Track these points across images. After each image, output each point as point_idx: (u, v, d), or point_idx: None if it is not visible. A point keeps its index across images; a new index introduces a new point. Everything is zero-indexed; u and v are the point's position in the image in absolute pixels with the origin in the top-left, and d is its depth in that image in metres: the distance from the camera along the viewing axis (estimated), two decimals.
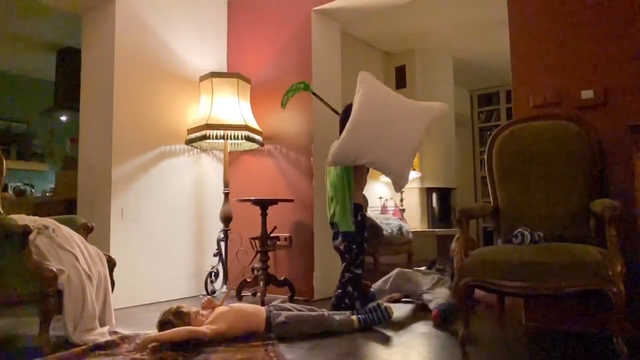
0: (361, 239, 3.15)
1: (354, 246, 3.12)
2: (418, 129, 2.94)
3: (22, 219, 2.42)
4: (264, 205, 3.61)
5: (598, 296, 2.21)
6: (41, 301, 2.23)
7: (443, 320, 2.76)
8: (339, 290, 3.11)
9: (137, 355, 2.17)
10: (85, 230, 2.79)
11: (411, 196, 6.32)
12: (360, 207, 3.17)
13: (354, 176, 3.14)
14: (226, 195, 3.85)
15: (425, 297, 3.26)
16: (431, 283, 3.86)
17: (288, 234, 3.89)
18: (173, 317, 2.33)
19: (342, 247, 3.14)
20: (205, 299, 2.59)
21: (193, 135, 3.81)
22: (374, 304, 2.79)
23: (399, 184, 2.96)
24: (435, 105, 3.08)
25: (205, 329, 2.32)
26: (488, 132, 7.91)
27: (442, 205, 6.52)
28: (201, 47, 4.26)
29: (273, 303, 2.72)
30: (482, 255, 2.31)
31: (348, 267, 3.13)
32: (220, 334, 2.36)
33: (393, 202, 6.01)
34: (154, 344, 2.20)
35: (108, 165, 3.54)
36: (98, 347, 2.26)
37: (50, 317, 2.27)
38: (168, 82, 3.96)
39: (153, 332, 2.38)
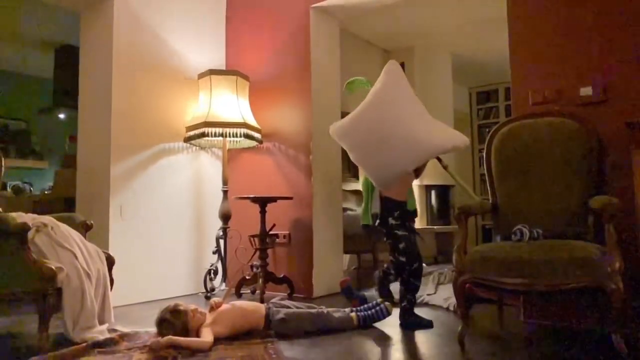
0: (402, 233, 2.75)
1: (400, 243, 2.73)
2: (413, 161, 2.59)
3: (20, 216, 2.41)
4: (263, 202, 3.61)
5: (597, 293, 2.21)
6: (40, 299, 2.23)
7: None
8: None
9: (137, 353, 2.17)
10: (84, 228, 2.79)
11: None
12: (397, 204, 2.79)
13: None
14: (225, 193, 3.85)
15: (435, 301, 3.29)
16: (434, 285, 3.87)
17: (287, 232, 3.89)
18: (170, 316, 2.32)
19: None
20: (214, 301, 2.54)
21: (192, 133, 3.81)
22: (373, 301, 2.79)
23: (383, 189, 2.79)
24: (453, 139, 2.59)
25: (209, 337, 2.28)
26: (487, 130, 7.89)
27: (441, 202, 6.52)
28: (199, 44, 4.25)
29: (272, 300, 2.72)
30: (480, 252, 2.31)
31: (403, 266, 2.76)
32: (222, 336, 2.36)
33: None
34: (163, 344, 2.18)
35: (107, 163, 3.54)
36: (97, 344, 2.27)
37: (50, 315, 2.27)
38: (166, 80, 3.95)
39: (152, 329, 2.38)
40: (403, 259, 2.71)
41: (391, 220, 2.77)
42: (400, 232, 2.74)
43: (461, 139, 2.59)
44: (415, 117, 2.59)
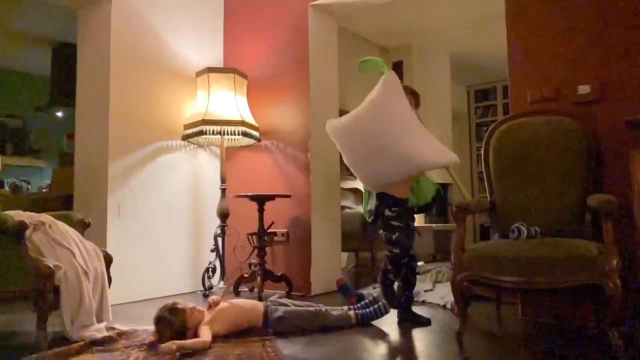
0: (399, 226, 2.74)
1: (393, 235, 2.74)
2: (400, 174, 2.61)
3: (18, 214, 2.41)
4: (261, 200, 3.61)
5: (594, 291, 2.22)
6: (38, 297, 2.23)
7: None
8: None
9: (135, 351, 2.17)
10: (82, 226, 2.78)
11: None
12: (397, 201, 2.76)
13: None
14: (223, 191, 3.85)
15: (433, 299, 3.27)
16: (431, 282, 3.88)
17: (285, 230, 3.89)
18: (169, 314, 2.30)
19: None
20: (212, 299, 2.52)
21: (189, 131, 3.80)
22: (370, 298, 2.80)
23: (375, 191, 2.82)
24: (443, 157, 2.58)
25: (208, 335, 2.28)
26: (485, 128, 7.90)
27: (439, 200, 6.52)
28: (198, 42, 4.24)
29: (270, 298, 2.72)
30: (478, 250, 2.31)
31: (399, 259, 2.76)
32: (221, 334, 2.36)
33: None
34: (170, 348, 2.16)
35: (104, 161, 3.53)
36: (95, 343, 2.26)
37: (48, 314, 2.26)
38: (164, 78, 3.95)
39: (150, 327, 2.38)
40: (397, 250, 2.72)
41: (387, 212, 2.76)
42: (395, 223, 2.73)
43: (451, 158, 2.59)
44: (408, 132, 2.57)
